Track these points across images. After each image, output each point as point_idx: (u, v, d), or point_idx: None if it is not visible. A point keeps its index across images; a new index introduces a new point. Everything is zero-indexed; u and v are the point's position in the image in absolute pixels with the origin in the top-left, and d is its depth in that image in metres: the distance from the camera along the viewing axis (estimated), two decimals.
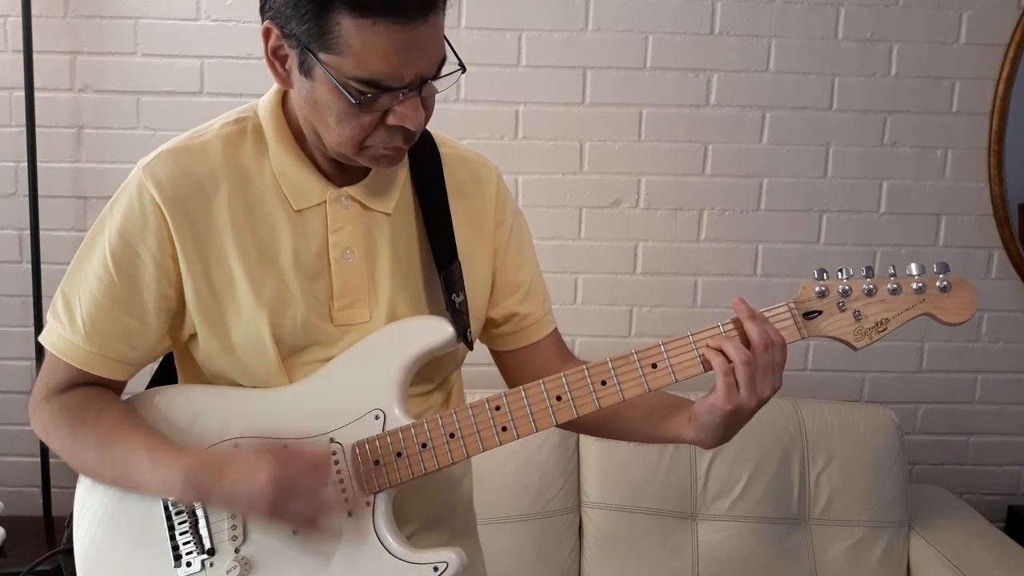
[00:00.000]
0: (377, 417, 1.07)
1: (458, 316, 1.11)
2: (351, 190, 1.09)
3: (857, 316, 1.05)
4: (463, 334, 1.11)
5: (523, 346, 1.23)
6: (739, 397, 1.02)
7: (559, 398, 1.06)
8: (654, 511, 2.09)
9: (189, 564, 1.08)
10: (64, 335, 1.07)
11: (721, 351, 1.03)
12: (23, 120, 2.12)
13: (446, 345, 1.09)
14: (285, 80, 1.01)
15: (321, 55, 0.93)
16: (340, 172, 1.09)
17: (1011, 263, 2.37)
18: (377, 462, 1.06)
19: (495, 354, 1.27)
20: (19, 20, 2.08)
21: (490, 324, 1.22)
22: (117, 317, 1.06)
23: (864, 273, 1.06)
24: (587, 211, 2.31)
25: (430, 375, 1.15)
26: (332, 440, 1.07)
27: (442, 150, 1.16)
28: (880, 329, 1.05)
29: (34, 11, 2.09)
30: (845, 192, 2.33)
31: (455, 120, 2.21)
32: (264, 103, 1.10)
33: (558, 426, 1.10)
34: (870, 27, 2.26)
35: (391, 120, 0.97)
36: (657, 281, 2.35)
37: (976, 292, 1.05)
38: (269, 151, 1.07)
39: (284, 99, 1.08)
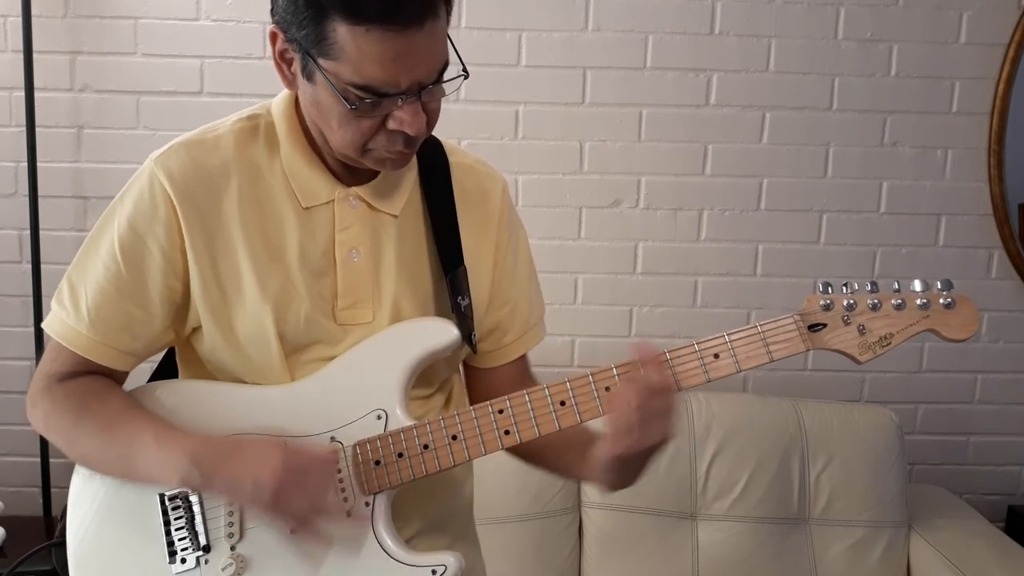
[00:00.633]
0: (379, 417, 1.07)
1: (463, 319, 1.11)
2: (359, 190, 1.09)
3: (862, 330, 1.06)
4: (468, 337, 1.11)
5: (496, 366, 1.22)
6: (625, 442, 1.00)
7: (563, 403, 1.06)
8: (654, 511, 2.09)
9: (184, 560, 1.07)
10: (68, 322, 1.07)
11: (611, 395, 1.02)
12: (23, 120, 2.12)
13: (451, 347, 1.09)
14: (291, 83, 1.02)
15: (320, 60, 0.94)
16: (349, 172, 1.09)
17: (1011, 263, 2.37)
18: (378, 462, 1.06)
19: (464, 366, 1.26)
20: (19, 20, 2.08)
21: None
22: (122, 306, 1.06)
23: (869, 288, 1.07)
24: (587, 211, 2.31)
25: (430, 378, 1.15)
26: (333, 439, 1.07)
27: (451, 159, 1.17)
28: (884, 344, 1.06)
29: (34, 11, 2.09)
30: (845, 192, 2.33)
31: (455, 120, 2.21)
32: (278, 102, 1.11)
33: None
34: (870, 27, 2.26)
35: (391, 125, 0.98)
36: (657, 281, 2.34)
37: (977, 309, 1.07)
38: (280, 148, 1.08)
39: (297, 99, 1.09)
